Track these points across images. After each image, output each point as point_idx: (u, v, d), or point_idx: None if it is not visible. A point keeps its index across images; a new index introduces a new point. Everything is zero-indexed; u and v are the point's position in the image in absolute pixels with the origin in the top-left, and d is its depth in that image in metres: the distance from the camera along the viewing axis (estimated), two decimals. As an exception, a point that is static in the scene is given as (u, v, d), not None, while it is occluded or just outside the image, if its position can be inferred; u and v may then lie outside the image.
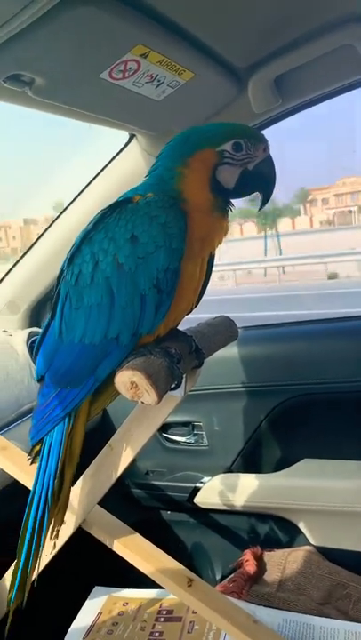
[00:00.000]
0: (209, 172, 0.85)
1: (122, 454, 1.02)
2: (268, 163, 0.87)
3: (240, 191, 0.88)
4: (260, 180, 0.88)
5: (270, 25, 1.06)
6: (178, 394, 0.92)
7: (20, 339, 1.67)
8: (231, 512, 1.65)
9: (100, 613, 1.33)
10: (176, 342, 0.92)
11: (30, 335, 1.71)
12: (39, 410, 0.94)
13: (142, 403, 0.82)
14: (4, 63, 0.84)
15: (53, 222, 1.66)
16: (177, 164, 0.86)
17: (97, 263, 0.83)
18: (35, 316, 1.81)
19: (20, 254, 1.75)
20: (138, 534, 1.10)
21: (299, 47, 1.13)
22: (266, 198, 0.90)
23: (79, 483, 1.07)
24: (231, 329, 1.09)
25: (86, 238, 0.86)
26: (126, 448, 1.01)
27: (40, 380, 0.96)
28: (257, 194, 0.90)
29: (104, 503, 1.11)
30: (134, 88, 1.04)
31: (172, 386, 0.87)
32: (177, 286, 0.83)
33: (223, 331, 1.06)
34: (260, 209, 0.93)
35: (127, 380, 0.80)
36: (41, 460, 0.95)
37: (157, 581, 1.04)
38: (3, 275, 1.79)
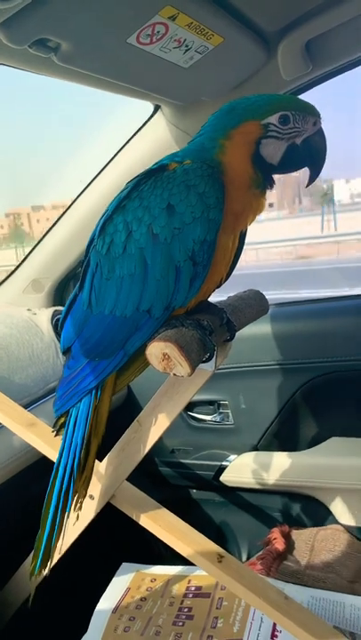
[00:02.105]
0: (252, 146, 0.81)
1: (150, 430, 1.01)
2: (319, 137, 0.82)
3: (286, 167, 0.84)
4: (308, 155, 0.83)
5: None
6: (209, 368, 0.90)
7: (44, 317, 1.67)
8: (258, 490, 1.64)
9: (128, 589, 1.33)
10: (207, 314, 0.90)
11: (54, 314, 1.71)
12: (64, 382, 0.93)
13: (174, 375, 0.80)
14: (31, 26, 0.81)
15: (76, 199, 1.64)
16: (220, 136, 0.83)
17: (130, 233, 0.80)
18: (58, 294, 1.81)
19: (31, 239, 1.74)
20: (167, 510, 1.09)
21: (331, 9, 1.08)
22: (315, 174, 0.85)
23: (107, 458, 1.07)
24: (262, 303, 1.06)
25: (119, 207, 0.84)
26: (155, 423, 1.00)
27: (66, 352, 0.95)
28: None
29: (132, 481, 1.11)
30: (161, 54, 1.00)
31: (204, 358, 0.85)
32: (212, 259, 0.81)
33: (254, 304, 1.04)
34: (307, 185, 0.89)
35: (159, 351, 0.79)
36: (67, 432, 0.94)
37: (188, 557, 1.04)
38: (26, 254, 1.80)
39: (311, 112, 0.82)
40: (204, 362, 0.86)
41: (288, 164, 0.84)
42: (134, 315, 0.82)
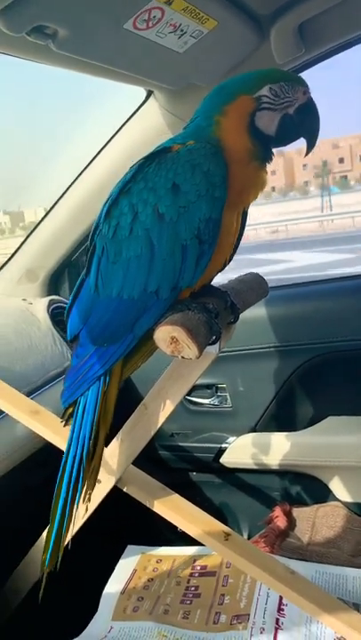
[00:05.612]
0: (247, 119, 0.83)
1: (156, 413, 1.02)
2: (310, 106, 0.85)
3: (283, 137, 0.86)
4: (302, 124, 0.85)
5: None
6: (213, 350, 0.91)
7: (40, 307, 1.67)
8: (257, 471, 1.66)
9: (134, 571, 1.35)
10: (212, 298, 0.91)
11: (51, 302, 1.71)
12: (73, 371, 0.93)
13: (182, 358, 0.81)
14: (29, 13, 0.81)
15: (68, 188, 1.64)
16: (214, 113, 0.84)
17: (136, 214, 0.81)
18: (53, 283, 1.81)
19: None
20: (173, 492, 1.11)
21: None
22: (310, 144, 0.87)
23: (114, 443, 1.08)
24: (262, 286, 1.08)
25: (124, 190, 0.84)
26: (161, 406, 1.01)
27: (73, 340, 0.96)
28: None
29: (134, 465, 1.12)
30: (157, 39, 1.01)
31: (210, 341, 0.86)
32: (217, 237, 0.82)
33: (255, 287, 1.05)
34: (305, 155, 0.90)
35: (167, 335, 0.80)
36: (75, 421, 0.94)
37: (195, 537, 1.06)
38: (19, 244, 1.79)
39: (299, 82, 0.84)
40: (209, 345, 0.87)
41: (284, 134, 0.86)
42: (142, 296, 0.83)
